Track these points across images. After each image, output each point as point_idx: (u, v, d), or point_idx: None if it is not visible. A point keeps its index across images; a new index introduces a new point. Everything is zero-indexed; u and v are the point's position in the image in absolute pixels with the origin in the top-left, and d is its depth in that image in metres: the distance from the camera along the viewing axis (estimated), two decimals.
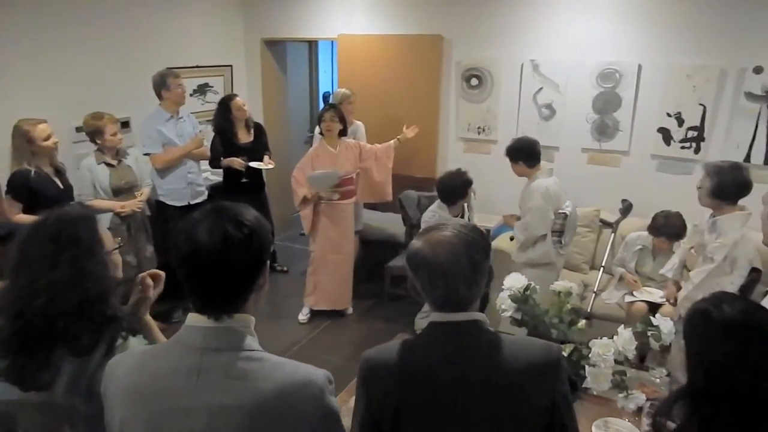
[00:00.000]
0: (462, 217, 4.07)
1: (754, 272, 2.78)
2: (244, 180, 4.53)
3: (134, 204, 3.87)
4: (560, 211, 3.58)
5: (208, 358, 1.13)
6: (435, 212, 3.96)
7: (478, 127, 4.87)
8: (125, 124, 4.41)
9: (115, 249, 1.50)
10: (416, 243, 1.30)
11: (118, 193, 3.85)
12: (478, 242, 1.28)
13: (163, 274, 1.59)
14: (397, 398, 1.26)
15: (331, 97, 7.28)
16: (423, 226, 4.03)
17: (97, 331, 1.37)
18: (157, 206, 4.26)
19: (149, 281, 1.56)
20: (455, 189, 3.85)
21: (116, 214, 3.80)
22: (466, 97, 4.86)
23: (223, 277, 1.12)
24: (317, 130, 4.73)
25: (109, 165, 3.82)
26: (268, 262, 1.23)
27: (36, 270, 1.35)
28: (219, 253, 1.10)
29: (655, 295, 3.65)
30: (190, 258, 1.12)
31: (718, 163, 2.86)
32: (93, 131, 3.75)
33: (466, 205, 4.04)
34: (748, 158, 3.97)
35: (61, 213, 1.45)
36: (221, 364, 1.12)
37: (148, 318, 1.60)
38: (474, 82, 4.79)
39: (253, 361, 1.14)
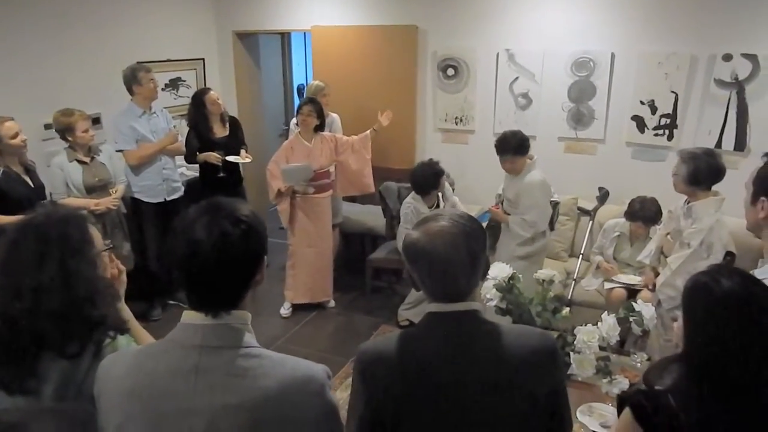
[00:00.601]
0: (437, 207, 4.10)
1: (729, 256, 2.85)
2: (221, 175, 4.47)
3: (109, 201, 3.80)
4: (551, 200, 3.62)
5: (207, 356, 1.11)
6: (411, 203, 3.99)
7: (456, 117, 4.88)
8: (96, 121, 4.31)
9: (105, 250, 1.46)
10: (414, 233, 1.29)
11: (91, 190, 3.78)
12: (476, 233, 1.28)
13: (123, 269, 1.58)
14: (397, 392, 1.25)
15: (305, 89, 7.25)
16: (401, 217, 4.06)
17: (84, 334, 1.33)
18: (132, 203, 4.18)
19: (115, 272, 1.54)
20: (426, 179, 3.87)
21: (91, 212, 3.71)
22: (442, 88, 4.86)
23: (222, 275, 1.11)
24: (293, 122, 4.68)
25: (81, 162, 3.75)
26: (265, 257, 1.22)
27: (22, 270, 1.31)
28: (218, 250, 1.09)
29: (633, 279, 3.72)
30: (188, 257, 1.10)
31: (693, 149, 2.91)
32: (63, 128, 3.66)
33: (440, 195, 4.07)
34: (719, 144, 4.06)
35: (50, 211, 1.41)
36: (221, 363, 1.11)
37: (127, 311, 1.57)
38: (450, 72, 4.80)
39: (253, 358, 1.13)
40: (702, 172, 2.80)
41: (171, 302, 4.58)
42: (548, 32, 4.40)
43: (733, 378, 1.15)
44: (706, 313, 1.21)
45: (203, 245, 1.09)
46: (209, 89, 4.58)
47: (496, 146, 3.51)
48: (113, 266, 1.53)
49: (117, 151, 4.07)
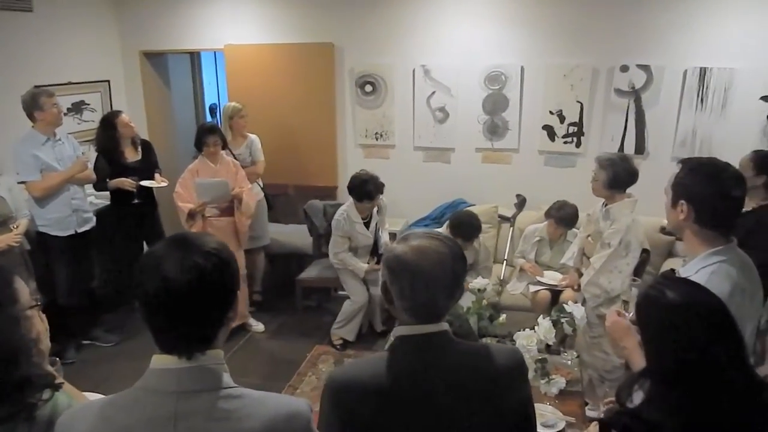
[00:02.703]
0: (370, 219, 4.12)
1: (645, 253, 3.05)
2: (135, 201, 4.25)
3: (10, 238, 3.50)
4: None
5: (186, 402, 1.04)
6: (344, 211, 4.04)
7: (376, 133, 4.92)
8: None
9: (33, 306, 1.32)
10: (399, 247, 1.29)
11: None
12: (462, 257, 1.31)
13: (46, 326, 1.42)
14: (369, 418, 1.24)
15: (218, 109, 7.05)
16: (333, 224, 4.05)
17: (9, 397, 1.19)
18: (38, 238, 3.87)
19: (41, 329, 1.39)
20: (362, 186, 3.90)
21: None
22: (361, 104, 4.90)
23: (196, 312, 1.05)
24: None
25: None
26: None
27: None
28: (192, 286, 1.04)
29: (555, 278, 3.89)
30: (160, 295, 1.04)
31: (609, 155, 3.10)
32: None
33: (375, 209, 4.10)
34: (621, 148, 4.36)
35: None
36: (201, 407, 1.05)
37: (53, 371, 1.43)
38: (368, 88, 4.84)
39: (234, 399, 1.07)
40: (620, 177, 2.99)
41: (85, 342, 4.27)
42: (461, 48, 4.56)
43: (700, 381, 1.20)
44: (659, 325, 1.26)
45: (176, 282, 1.03)
46: (120, 112, 4.35)
47: (465, 234, 3.60)
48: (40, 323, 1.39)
49: (19, 182, 3.76)
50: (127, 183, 4.15)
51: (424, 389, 1.25)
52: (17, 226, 3.60)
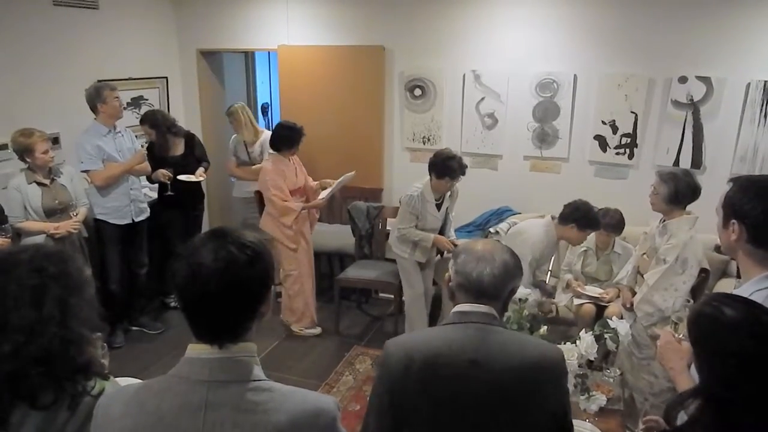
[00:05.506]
0: (441, 204, 4.00)
1: (703, 273, 2.93)
2: (169, 193, 4.39)
3: (69, 225, 3.67)
4: None
5: (216, 391, 1.08)
6: (419, 188, 3.90)
7: (423, 137, 4.92)
8: (55, 141, 4.16)
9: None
10: (464, 241, 1.54)
11: (51, 213, 3.65)
12: (515, 254, 1.54)
13: None
14: (412, 380, 1.42)
15: (271, 110, 7.23)
16: (405, 200, 3.91)
17: (62, 382, 1.24)
18: (96, 226, 4.04)
19: None
20: (445, 160, 3.75)
21: (50, 236, 3.57)
22: (410, 107, 4.90)
23: (229, 302, 1.08)
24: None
25: (40, 185, 3.62)
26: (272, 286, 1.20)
27: (8, 308, 1.22)
28: (224, 276, 1.07)
29: (596, 291, 3.80)
30: (192, 283, 1.07)
31: (672, 169, 3.01)
32: (22, 149, 3.53)
33: (449, 193, 4.00)
34: (677, 162, 4.22)
35: (39, 246, 1.34)
36: (230, 398, 1.08)
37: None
38: (417, 92, 4.85)
39: (263, 391, 1.10)
40: (682, 192, 2.88)
41: (134, 328, 4.44)
42: (513, 54, 4.51)
43: (754, 405, 1.16)
44: (716, 344, 1.22)
45: (208, 270, 1.06)
46: (149, 119, 4.47)
47: (593, 224, 3.51)
48: None
49: (82, 171, 3.94)
50: (160, 174, 4.29)
51: (459, 361, 1.41)
52: (77, 214, 3.77)
